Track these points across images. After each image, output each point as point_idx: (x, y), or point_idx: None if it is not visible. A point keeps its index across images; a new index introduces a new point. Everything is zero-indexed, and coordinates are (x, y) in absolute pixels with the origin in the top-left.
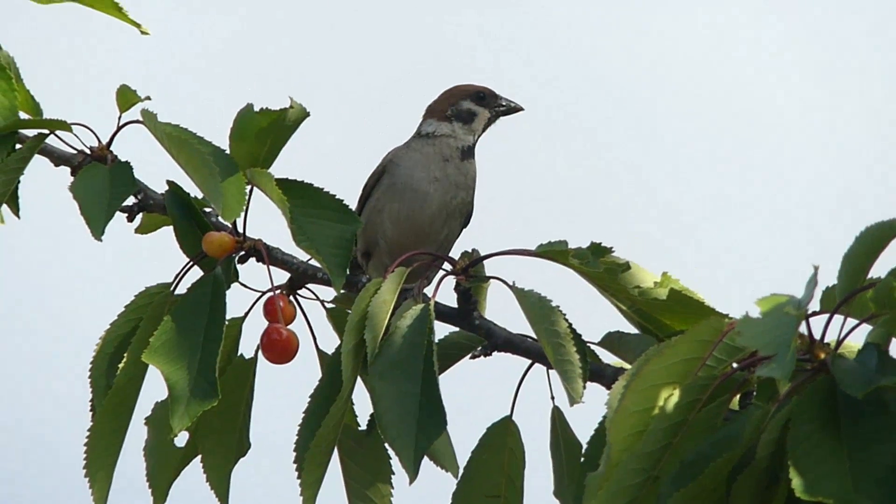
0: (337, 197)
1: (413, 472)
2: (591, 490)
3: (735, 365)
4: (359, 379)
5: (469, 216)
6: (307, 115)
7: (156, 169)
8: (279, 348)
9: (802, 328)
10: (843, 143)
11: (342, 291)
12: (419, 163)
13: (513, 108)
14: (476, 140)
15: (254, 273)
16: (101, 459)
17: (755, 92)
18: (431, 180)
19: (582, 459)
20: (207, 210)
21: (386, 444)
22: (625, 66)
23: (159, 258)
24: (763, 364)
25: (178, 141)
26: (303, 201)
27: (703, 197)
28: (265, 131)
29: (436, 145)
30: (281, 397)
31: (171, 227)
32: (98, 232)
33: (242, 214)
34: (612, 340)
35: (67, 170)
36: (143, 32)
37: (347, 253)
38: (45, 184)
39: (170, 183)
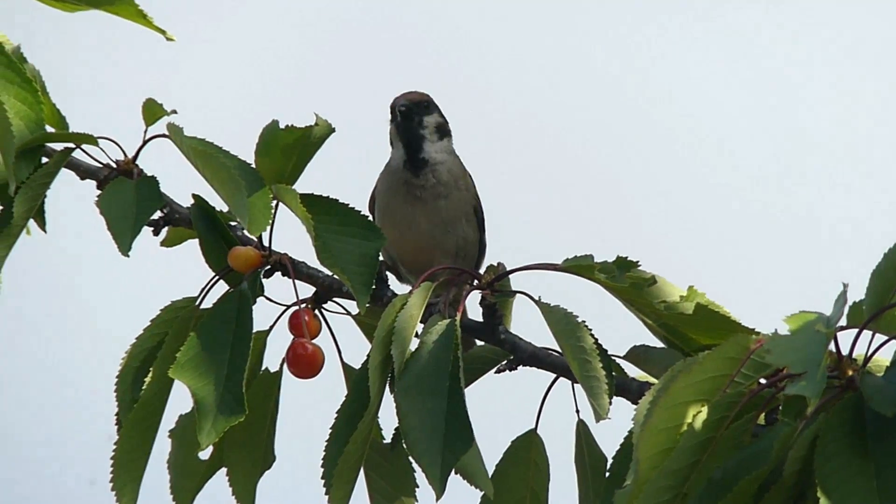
0: (362, 213)
1: (440, 489)
2: None
3: (762, 381)
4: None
5: (479, 213)
6: (332, 131)
7: (181, 183)
8: (305, 363)
9: (831, 345)
10: (873, 155)
11: (367, 305)
12: (391, 187)
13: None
14: (402, 151)
15: (279, 287)
16: (127, 473)
17: (785, 102)
18: (405, 202)
19: (607, 474)
20: (233, 224)
21: (411, 459)
22: (647, 78)
23: (185, 272)
24: (793, 382)
25: (203, 155)
26: (327, 217)
27: (729, 210)
28: (290, 147)
29: (392, 166)
30: (306, 411)
31: (197, 241)
32: (125, 248)
33: (268, 229)
34: (638, 354)
35: (93, 183)
36: (168, 39)
37: (372, 270)
38: (71, 197)
39: (195, 197)
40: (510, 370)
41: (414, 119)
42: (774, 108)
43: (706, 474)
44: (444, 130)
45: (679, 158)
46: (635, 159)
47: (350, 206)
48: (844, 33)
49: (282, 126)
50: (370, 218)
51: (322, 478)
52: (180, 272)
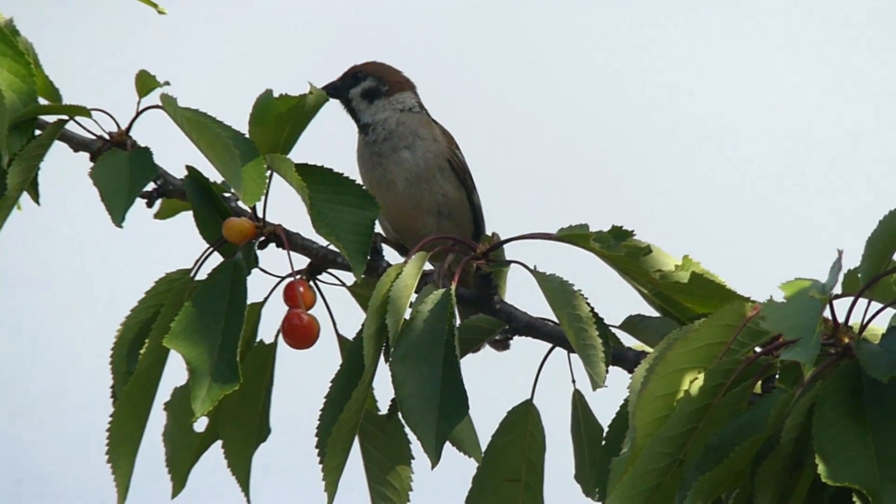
0: (357, 182)
1: (435, 457)
2: (615, 473)
3: (758, 349)
4: (379, 364)
5: (457, 169)
6: (326, 100)
7: (175, 154)
8: (300, 333)
9: (826, 312)
10: (865, 123)
11: (363, 277)
12: (359, 156)
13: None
14: (359, 117)
15: (274, 258)
16: (123, 445)
17: (780, 78)
18: (371, 163)
19: (603, 443)
20: (227, 195)
21: (406, 429)
22: (642, 53)
23: (179, 244)
24: (787, 348)
25: (197, 125)
26: (322, 187)
27: (725, 181)
28: (284, 117)
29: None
30: (301, 382)
31: (191, 213)
32: (119, 219)
33: (262, 200)
34: (634, 324)
35: (87, 155)
36: (160, 12)
37: (368, 239)
38: (64, 170)
39: (189, 168)
40: (497, 350)
41: (342, 94)
42: (769, 83)
43: (703, 441)
44: (373, 93)
45: (676, 133)
46: (634, 134)
47: (345, 175)
48: (843, 28)
49: (276, 95)
50: (365, 187)
51: (316, 447)
52: (175, 244)
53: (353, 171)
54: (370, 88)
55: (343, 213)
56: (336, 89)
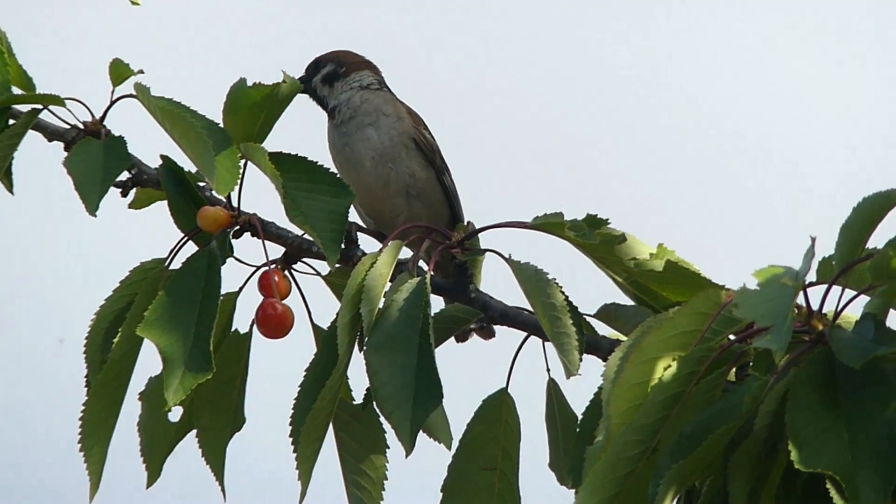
0: (331, 171)
1: (409, 446)
2: (589, 462)
3: (732, 337)
4: (353, 354)
5: (424, 148)
6: (300, 88)
7: (150, 143)
8: (274, 323)
9: (800, 300)
10: (837, 111)
11: (337, 266)
12: (328, 140)
13: None
14: (325, 103)
15: (248, 248)
16: (95, 434)
17: (762, 61)
18: (339, 144)
19: (577, 430)
20: (202, 185)
21: (381, 418)
22: (623, 45)
23: (154, 234)
24: (759, 336)
25: (171, 115)
26: (296, 175)
27: (698, 168)
28: (258, 105)
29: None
30: (276, 372)
31: (166, 203)
32: (93, 207)
33: (237, 189)
34: (609, 312)
35: (61, 145)
36: (133, 3)
37: (341, 227)
38: (38, 159)
39: (163, 157)
40: (483, 338)
41: (308, 87)
42: (749, 68)
43: (676, 429)
44: (331, 77)
45: (649, 121)
46: (608, 122)
47: (318, 163)
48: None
49: (249, 84)
50: (339, 175)
51: (290, 435)
52: (149, 234)
53: (326, 160)
54: (329, 73)
55: (317, 201)
56: (302, 83)
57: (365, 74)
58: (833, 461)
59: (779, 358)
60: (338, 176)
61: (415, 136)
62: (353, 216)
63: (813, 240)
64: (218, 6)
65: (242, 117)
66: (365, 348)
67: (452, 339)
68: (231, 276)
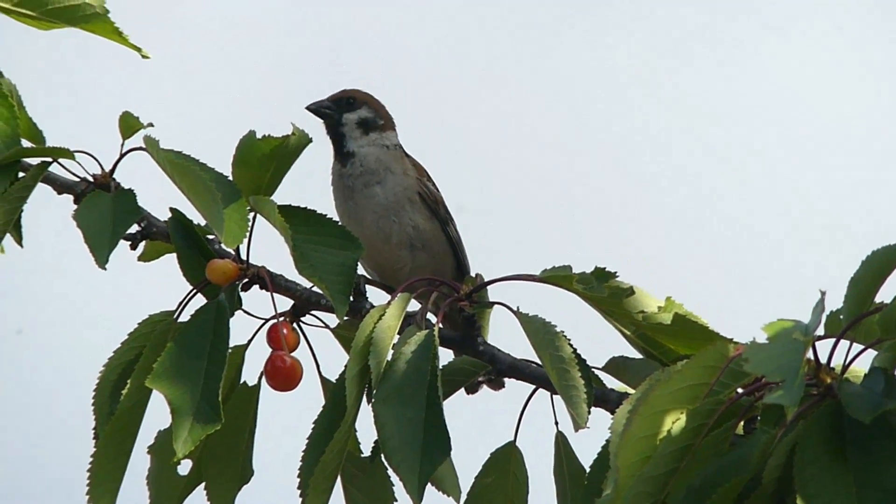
0: (339, 223)
1: (418, 499)
2: None
3: (740, 390)
4: (361, 406)
5: (428, 200)
6: (309, 141)
7: (159, 196)
8: (283, 375)
9: (809, 353)
10: (844, 167)
11: (346, 319)
12: (332, 183)
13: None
14: (344, 144)
15: (257, 300)
16: (104, 485)
17: (767, 109)
18: (343, 195)
19: (586, 483)
20: (211, 237)
21: (389, 471)
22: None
23: (163, 286)
24: (770, 390)
25: (180, 167)
26: (305, 228)
27: (708, 223)
28: (267, 158)
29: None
30: (284, 424)
31: (175, 255)
32: (102, 260)
33: (245, 241)
34: (616, 365)
35: (70, 198)
36: (143, 56)
37: (350, 280)
38: (48, 211)
39: (173, 210)
40: (493, 389)
41: (334, 116)
42: (755, 117)
43: (685, 482)
44: (369, 124)
45: (660, 177)
46: (618, 177)
47: (327, 216)
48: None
49: (259, 136)
50: (347, 228)
51: (298, 487)
52: (158, 287)
53: (334, 212)
54: (367, 119)
55: (326, 254)
56: (328, 110)
57: (394, 136)
58: None
59: (790, 413)
60: (346, 229)
61: (419, 189)
62: (360, 269)
63: (822, 293)
64: (228, 59)
65: (252, 170)
66: (373, 400)
67: (461, 390)
68: (240, 328)
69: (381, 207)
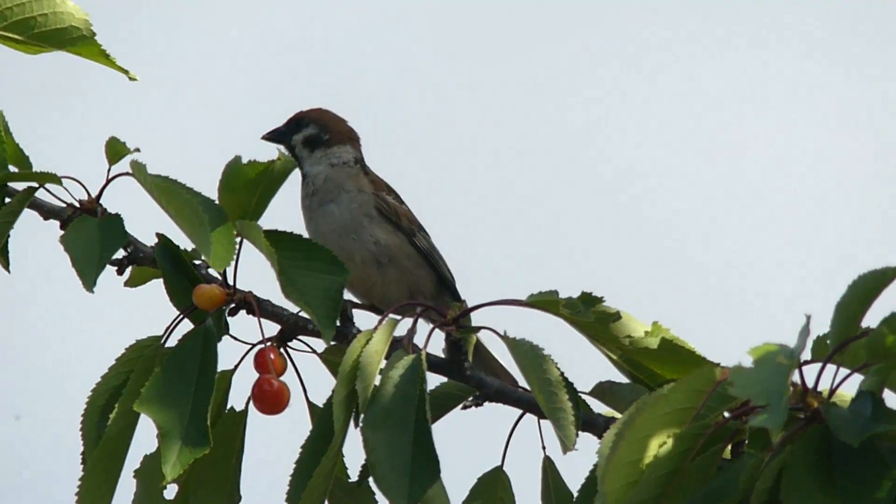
0: (325, 248)
1: None
2: None
3: (727, 414)
4: (349, 431)
5: (388, 214)
6: (295, 166)
7: (146, 221)
8: (270, 399)
9: (795, 377)
10: (832, 188)
11: (332, 343)
12: (301, 207)
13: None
14: (301, 165)
15: (244, 326)
16: None
17: (752, 136)
18: (306, 216)
19: None
20: (198, 263)
21: (377, 495)
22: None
23: (150, 312)
24: (755, 414)
25: (167, 191)
26: (292, 253)
27: (692, 247)
28: (253, 182)
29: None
30: (271, 450)
31: (161, 280)
32: (90, 284)
33: (232, 266)
34: (604, 390)
35: (57, 223)
36: (131, 78)
37: (337, 304)
38: (34, 237)
39: (159, 236)
40: (476, 406)
41: (284, 140)
42: (733, 146)
43: None
44: (314, 142)
45: (645, 202)
46: (603, 202)
47: (314, 241)
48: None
49: (244, 161)
50: (334, 253)
51: None
52: (146, 312)
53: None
54: (311, 136)
55: (312, 278)
56: (280, 135)
57: (346, 150)
58: None
59: (775, 437)
60: (332, 253)
61: (376, 204)
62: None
63: (808, 318)
64: (215, 83)
65: (238, 194)
66: (361, 425)
67: (447, 415)
68: (227, 353)
69: (339, 226)
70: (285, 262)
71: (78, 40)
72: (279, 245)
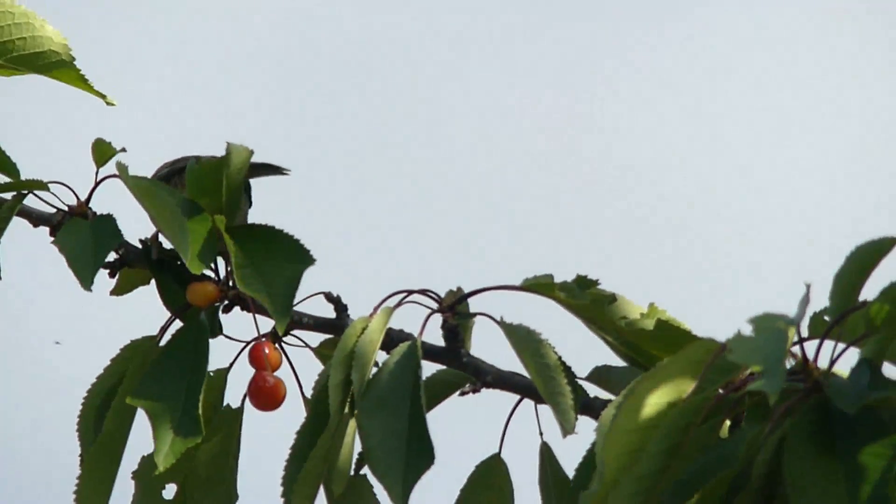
0: (291, 236)
1: None
2: None
3: (726, 387)
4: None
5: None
6: (251, 153)
7: (135, 225)
8: (266, 395)
9: (796, 349)
10: (831, 163)
11: (329, 337)
12: None
13: None
14: None
15: (238, 325)
16: None
17: (744, 112)
18: None
19: (571, 486)
20: None
21: (373, 485)
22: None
23: (145, 317)
24: (755, 379)
25: (148, 192)
26: (254, 244)
27: (690, 227)
28: (214, 180)
29: None
30: (268, 446)
31: (149, 286)
32: (87, 282)
33: (226, 264)
34: (600, 374)
35: (47, 230)
36: (108, 104)
37: (294, 293)
38: (24, 245)
39: (143, 241)
40: (474, 392)
41: None
42: (735, 114)
43: (673, 478)
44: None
45: (641, 182)
46: (597, 183)
47: (281, 230)
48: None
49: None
50: (300, 241)
51: (282, 496)
52: (140, 317)
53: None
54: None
55: (278, 267)
56: None
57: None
58: None
59: (773, 399)
60: (299, 241)
61: None
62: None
63: (808, 286)
64: (197, 102)
65: (207, 195)
66: (356, 411)
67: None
68: (221, 352)
69: None
70: (250, 252)
71: (56, 65)
72: (237, 237)
